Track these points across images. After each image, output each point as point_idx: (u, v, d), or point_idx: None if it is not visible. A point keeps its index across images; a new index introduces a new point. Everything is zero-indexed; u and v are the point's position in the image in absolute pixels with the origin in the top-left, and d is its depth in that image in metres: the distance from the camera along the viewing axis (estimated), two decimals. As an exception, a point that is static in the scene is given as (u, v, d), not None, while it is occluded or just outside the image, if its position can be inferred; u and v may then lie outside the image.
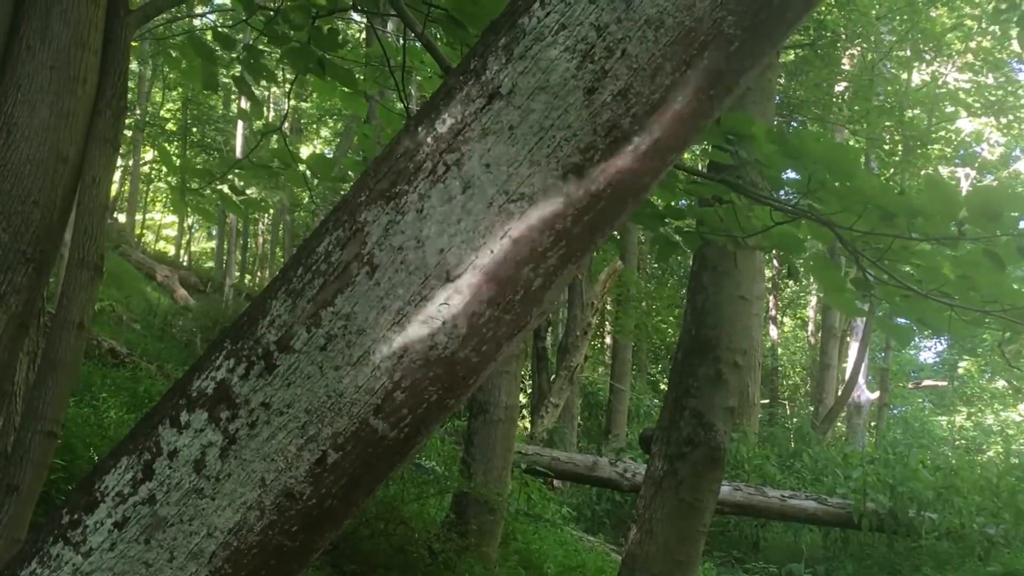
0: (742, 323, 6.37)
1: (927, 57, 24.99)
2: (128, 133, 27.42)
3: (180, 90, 30.23)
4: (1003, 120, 25.14)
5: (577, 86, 1.90)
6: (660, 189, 4.51)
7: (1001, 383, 38.17)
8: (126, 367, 11.58)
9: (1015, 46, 22.80)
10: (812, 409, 28.96)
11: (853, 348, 26.81)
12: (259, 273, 39.46)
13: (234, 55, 5.48)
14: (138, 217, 37.87)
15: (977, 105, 24.30)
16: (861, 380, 26.68)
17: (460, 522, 9.21)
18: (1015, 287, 3.91)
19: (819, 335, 31.29)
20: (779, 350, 36.71)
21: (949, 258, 3.99)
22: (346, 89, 5.49)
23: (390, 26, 13.57)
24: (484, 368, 2.04)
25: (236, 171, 6.21)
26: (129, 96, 3.45)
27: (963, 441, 36.67)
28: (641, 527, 6.23)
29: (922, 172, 23.81)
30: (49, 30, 3.10)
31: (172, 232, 42.38)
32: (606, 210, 1.99)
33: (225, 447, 1.97)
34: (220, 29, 6.56)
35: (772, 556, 15.53)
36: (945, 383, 38.51)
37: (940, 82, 25.18)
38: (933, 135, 24.95)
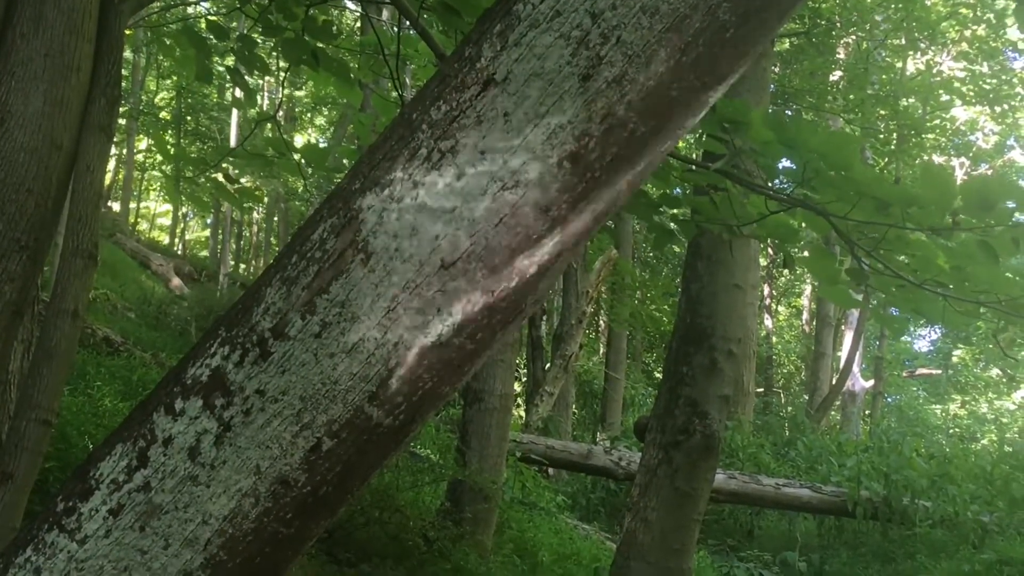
0: (737, 312, 6.38)
1: (922, 46, 25.02)
2: (122, 121, 27.37)
3: (174, 78, 30.16)
4: (997, 109, 25.15)
5: (572, 73, 1.90)
6: (655, 178, 4.51)
7: (995, 372, 38.20)
8: (120, 355, 11.58)
9: (1010, 34, 22.82)
10: (807, 398, 29.00)
11: (848, 336, 26.84)
12: (254, 262, 39.45)
13: (228, 45, 5.47)
14: (132, 205, 37.81)
15: (972, 94, 24.30)
16: (856, 368, 26.73)
17: (455, 510, 9.22)
18: (1009, 277, 3.91)
19: (814, 323, 31.34)
20: (774, 338, 36.77)
21: (944, 248, 3.99)
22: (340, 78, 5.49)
23: (385, 14, 13.55)
24: (479, 356, 2.04)
25: (230, 160, 6.21)
26: (123, 84, 3.44)
27: (957, 429, 36.64)
28: (636, 515, 6.25)
29: (917, 161, 23.84)
30: (43, 18, 3.09)
31: (167, 221, 42.32)
32: (601, 198, 1.99)
33: (220, 434, 1.97)
34: (214, 18, 6.55)
35: (766, 544, 15.55)
36: (939, 371, 38.53)
37: (935, 71, 25.18)
38: (928, 124, 24.96)
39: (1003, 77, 23.99)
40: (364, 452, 2.02)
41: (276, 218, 37.41)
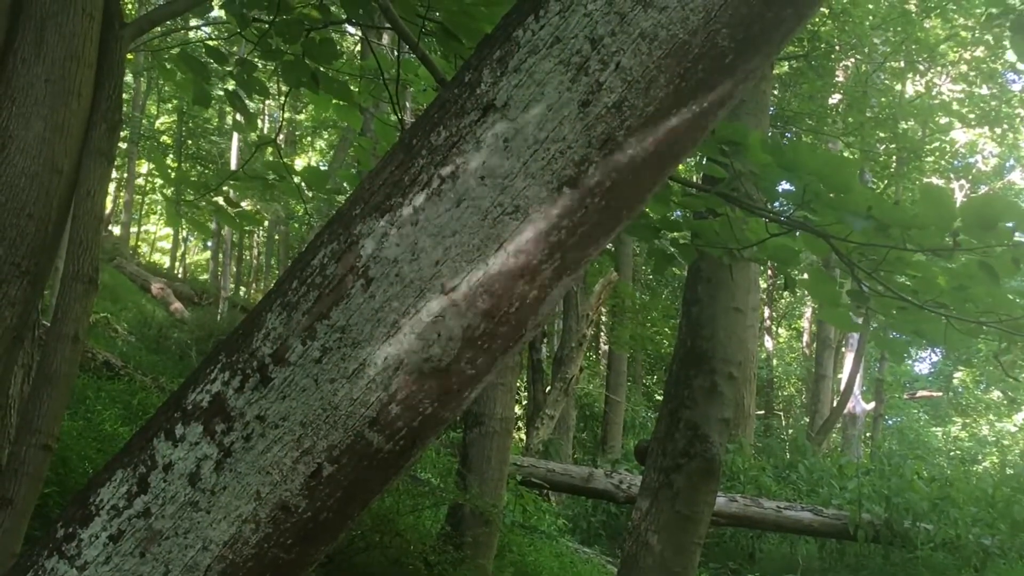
0: (737, 335, 6.37)
1: (921, 68, 25.06)
2: (123, 145, 27.43)
3: (175, 102, 30.26)
4: (997, 131, 25.21)
5: (572, 99, 1.90)
6: (655, 201, 4.51)
7: (996, 394, 38.18)
8: (121, 379, 11.55)
9: (1009, 56, 22.89)
10: (807, 420, 28.96)
11: (848, 358, 26.82)
12: (254, 284, 39.45)
13: (228, 69, 5.48)
14: (133, 229, 37.86)
15: (971, 116, 24.36)
16: (856, 391, 26.70)
17: (455, 534, 9.19)
18: (1011, 297, 3.91)
19: (814, 346, 31.30)
20: (774, 361, 36.77)
21: (944, 269, 3.99)
22: (341, 102, 5.50)
23: (385, 38, 13.59)
24: (479, 381, 2.03)
25: (231, 183, 6.22)
26: (124, 108, 3.45)
27: (958, 452, 36.64)
28: (637, 539, 6.22)
29: (916, 183, 23.89)
30: (44, 43, 3.10)
31: (167, 244, 42.33)
32: (601, 222, 1.99)
33: (220, 460, 1.96)
34: (214, 42, 6.57)
35: (768, 567, 15.51)
36: (940, 394, 38.51)
37: (934, 93, 25.24)
38: (927, 146, 25.02)
39: (1002, 98, 24.05)
40: (364, 478, 2.01)
41: (276, 240, 37.46)
